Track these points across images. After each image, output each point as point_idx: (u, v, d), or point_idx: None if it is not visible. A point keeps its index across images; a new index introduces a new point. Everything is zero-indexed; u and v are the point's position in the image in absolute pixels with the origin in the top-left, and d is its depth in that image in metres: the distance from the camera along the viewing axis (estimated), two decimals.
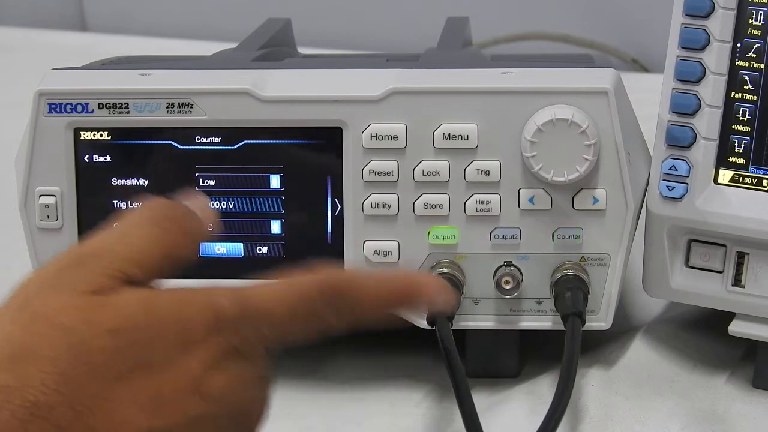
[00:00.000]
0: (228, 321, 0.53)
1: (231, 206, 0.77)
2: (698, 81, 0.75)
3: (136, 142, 0.77)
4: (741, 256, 0.76)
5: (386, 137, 0.75)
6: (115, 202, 0.78)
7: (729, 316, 0.77)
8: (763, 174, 0.75)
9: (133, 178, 0.77)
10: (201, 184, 0.77)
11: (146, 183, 0.77)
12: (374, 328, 0.57)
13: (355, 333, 0.55)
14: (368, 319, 0.57)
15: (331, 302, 0.55)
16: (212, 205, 0.66)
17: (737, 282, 0.76)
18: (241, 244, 0.78)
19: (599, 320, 0.77)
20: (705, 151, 0.75)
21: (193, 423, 0.52)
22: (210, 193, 0.77)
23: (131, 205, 0.77)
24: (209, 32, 1.56)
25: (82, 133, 0.76)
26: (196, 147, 0.77)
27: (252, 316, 0.54)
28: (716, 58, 0.75)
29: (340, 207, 0.77)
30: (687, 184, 0.76)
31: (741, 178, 0.76)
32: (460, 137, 0.75)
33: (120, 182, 0.77)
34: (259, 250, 0.78)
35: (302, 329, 0.55)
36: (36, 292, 0.52)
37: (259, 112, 0.76)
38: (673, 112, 0.76)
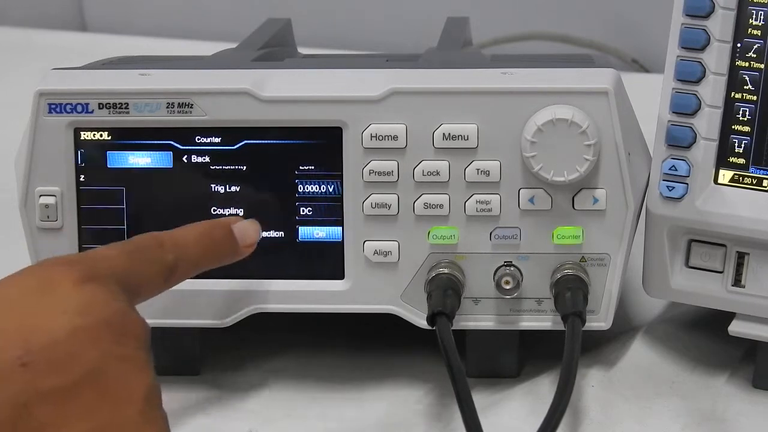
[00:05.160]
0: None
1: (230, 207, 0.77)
2: (698, 81, 0.75)
3: (136, 142, 0.77)
4: (741, 256, 0.76)
5: (386, 137, 0.75)
6: None
7: (729, 316, 0.77)
8: (763, 174, 0.75)
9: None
10: (200, 183, 0.77)
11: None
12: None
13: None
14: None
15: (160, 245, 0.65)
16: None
17: (737, 282, 0.76)
18: None
19: (599, 320, 0.77)
20: (705, 151, 0.75)
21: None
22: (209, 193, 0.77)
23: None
24: (209, 32, 1.56)
25: (82, 133, 0.76)
26: (196, 147, 0.77)
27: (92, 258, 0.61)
28: (716, 58, 0.75)
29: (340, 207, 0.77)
30: (687, 184, 0.76)
31: (741, 178, 0.76)
32: (460, 137, 0.75)
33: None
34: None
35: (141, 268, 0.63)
36: None
37: (259, 112, 0.76)
38: (673, 112, 0.76)
